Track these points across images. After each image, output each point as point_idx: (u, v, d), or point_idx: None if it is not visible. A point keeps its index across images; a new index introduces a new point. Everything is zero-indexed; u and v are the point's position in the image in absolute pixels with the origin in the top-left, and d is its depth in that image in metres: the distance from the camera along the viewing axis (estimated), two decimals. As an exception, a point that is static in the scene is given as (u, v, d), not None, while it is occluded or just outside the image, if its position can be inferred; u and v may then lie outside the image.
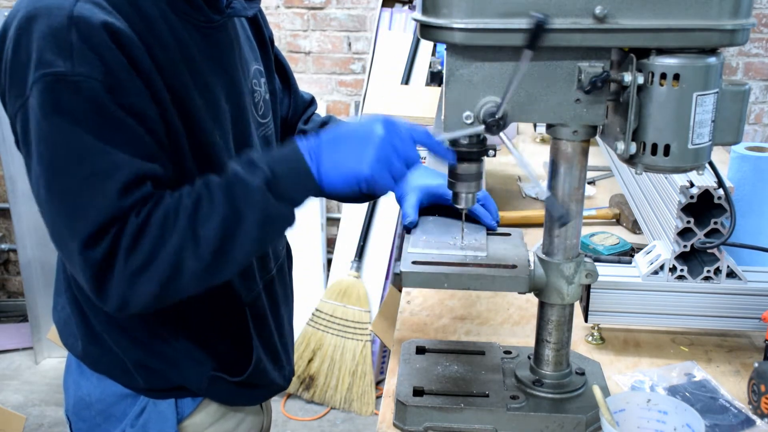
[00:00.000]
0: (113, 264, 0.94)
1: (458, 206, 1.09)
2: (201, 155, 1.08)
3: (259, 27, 1.33)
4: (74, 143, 0.93)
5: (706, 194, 1.25)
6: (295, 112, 1.48)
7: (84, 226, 0.93)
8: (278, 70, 1.43)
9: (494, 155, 1.06)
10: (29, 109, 0.94)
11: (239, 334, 1.23)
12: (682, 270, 1.30)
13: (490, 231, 1.25)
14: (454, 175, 1.07)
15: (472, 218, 1.26)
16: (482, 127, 0.97)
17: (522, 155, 1.00)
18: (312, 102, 1.54)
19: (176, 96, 1.03)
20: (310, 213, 3.38)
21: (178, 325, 1.17)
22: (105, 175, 0.94)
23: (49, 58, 0.92)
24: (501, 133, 0.99)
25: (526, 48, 0.89)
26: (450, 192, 1.10)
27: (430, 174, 1.33)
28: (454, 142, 1.04)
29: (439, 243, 1.18)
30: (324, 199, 3.50)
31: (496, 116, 0.95)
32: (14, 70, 0.95)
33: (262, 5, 1.32)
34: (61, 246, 0.98)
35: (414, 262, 1.12)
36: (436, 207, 1.31)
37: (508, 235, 1.25)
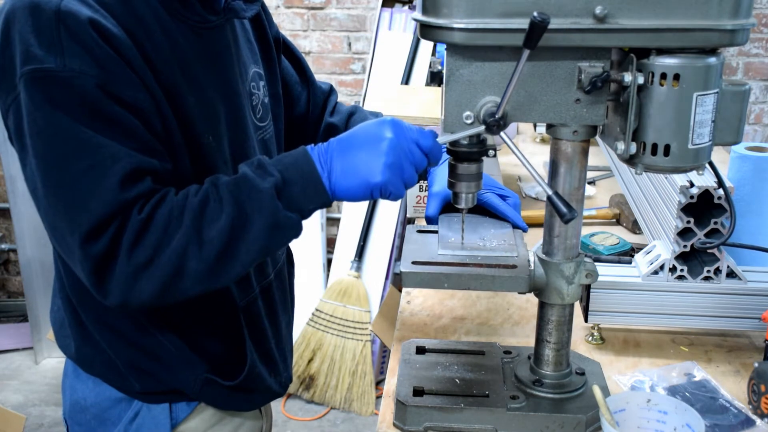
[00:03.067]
0: (115, 259, 0.94)
1: (458, 206, 1.09)
2: (192, 155, 1.07)
3: (262, 28, 1.30)
4: (70, 136, 0.92)
5: (706, 194, 1.25)
6: (315, 105, 1.45)
7: (84, 220, 0.92)
8: (294, 65, 1.41)
9: (494, 155, 1.06)
10: (21, 105, 0.93)
11: (233, 337, 1.21)
12: (682, 270, 1.30)
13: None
14: (454, 175, 1.07)
15: (499, 216, 1.26)
16: (482, 127, 0.97)
17: (523, 154, 0.99)
18: (331, 91, 1.50)
19: (168, 95, 1.02)
20: (310, 213, 3.38)
21: (169, 324, 1.15)
22: (103, 167, 0.93)
23: (40, 55, 0.91)
24: (502, 133, 0.99)
25: (524, 47, 0.89)
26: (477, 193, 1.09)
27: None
28: (454, 142, 1.04)
29: (469, 244, 1.17)
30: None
31: (496, 116, 0.95)
32: (3, 66, 0.95)
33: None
34: (59, 240, 0.97)
35: (414, 262, 1.12)
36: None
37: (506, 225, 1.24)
